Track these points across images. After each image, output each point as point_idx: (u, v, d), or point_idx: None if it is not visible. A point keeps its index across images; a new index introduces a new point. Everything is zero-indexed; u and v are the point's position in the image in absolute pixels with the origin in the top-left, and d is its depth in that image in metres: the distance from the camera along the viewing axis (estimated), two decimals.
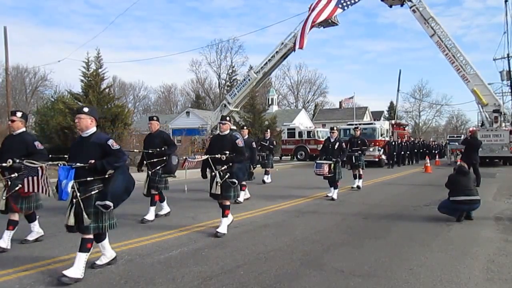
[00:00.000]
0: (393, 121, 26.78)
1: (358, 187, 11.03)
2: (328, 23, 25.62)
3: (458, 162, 7.83)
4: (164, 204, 7.07)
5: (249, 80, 27.23)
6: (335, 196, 9.13)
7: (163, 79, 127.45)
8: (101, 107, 18.95)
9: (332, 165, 8.92)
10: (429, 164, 18.75)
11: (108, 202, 3.84)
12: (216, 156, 5.66)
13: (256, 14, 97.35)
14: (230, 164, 5.66)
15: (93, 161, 3.86)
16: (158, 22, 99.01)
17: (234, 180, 5.64)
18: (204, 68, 73.61)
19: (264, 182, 12.72)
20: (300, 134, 26.96)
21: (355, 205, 8.50)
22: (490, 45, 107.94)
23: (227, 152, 5.63)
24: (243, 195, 8.82)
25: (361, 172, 11.25)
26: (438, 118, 71.60)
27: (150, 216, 6.63)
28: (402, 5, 23.39)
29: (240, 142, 5.72)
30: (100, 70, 19.75)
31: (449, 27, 70.78)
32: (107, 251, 4.29)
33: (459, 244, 5.31)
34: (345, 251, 4.95)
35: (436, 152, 30.98)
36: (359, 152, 11.19)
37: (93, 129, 4.06)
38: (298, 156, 26.59)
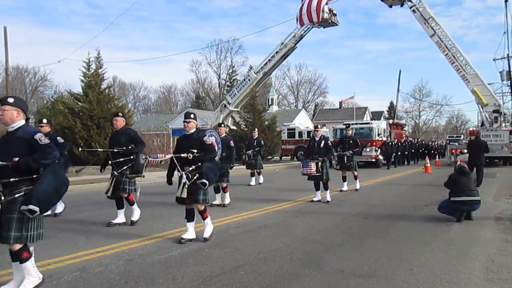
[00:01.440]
0: (390, 121, 26.56)
1: (356, 189, 10.71)
2: (328, 23, 25.63)
3: (458, 162, 7.83)
4: (135, 206, 6.47)
5: (249, 80, 27.25)
6: (328, 198, 8.72)
7: (163, 79, 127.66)
8: (101, 107, 18.97)
9: (320, 163, 8.48)
10: (429, 164, 18.76)
11: (32, 207, 3.27)
12: (182, 155, 5.16)
13: (256, 14, 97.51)
14: (199, 164, 5.16)
15: (17, 159, 3.35)
16: (158, 22, 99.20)
17: (204, 181, 5.04)
18: (204, 68, 73.78)
19: (249, 185, 12.20)
20: (300, 134, 26.97)
21: (355, 205, 8.50)
22: (490, 45, 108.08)
23: (195, 151, 5.16)
24: (228, 197, 8.40)
25: (356, 174, 10.83)
26: (438, 118, 71.83)
27: (120, 219, 6.31)
28: (402, 5, 23.41)
29: (208, 139, 5.26)
30: (100, 70, 19.78)
31: (449, 27, 71.02)
32: (22, 273, 3.54)
33: (459, 244, 5.31)
34: (345, 251, 4.95)
35: (435, 152, 30.88)
36: (351, 152, 10.62)
37: (19, 123, 3.54)
38: (298, 156, 26.59)
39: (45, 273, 4.01)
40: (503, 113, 22.71)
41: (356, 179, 10.86)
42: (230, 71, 59.66)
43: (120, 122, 6.39)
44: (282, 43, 26.06)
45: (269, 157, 26.88)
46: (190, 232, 5.32)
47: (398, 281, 3.88)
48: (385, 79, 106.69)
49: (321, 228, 6.24)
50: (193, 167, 5.17)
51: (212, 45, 74.47)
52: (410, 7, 22.74)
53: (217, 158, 6.07)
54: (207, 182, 5.07)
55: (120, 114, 6.54)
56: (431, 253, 4.86)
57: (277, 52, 26.26)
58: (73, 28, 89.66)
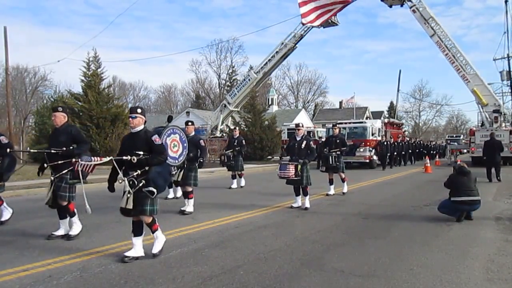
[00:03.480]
0: (386, 120, 25.79)
1: (343, 193, 9.87)
2: (328, 23, 25.65)
3: (458, 162, 7.82)
4: (75, 219, 5.54)
5: (249, 80, 27.27)
6: (307, 205, 7.85)
7: (163, 79, 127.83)
8: (100, 107, 18.97)
9: (299, 166, 7.64)
10: (429, 164, 18.73)
11: None
12: (124, 158, 4.41)
13: (256, 14, 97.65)
14: (146, 168, 4.45)
15: None
16: (158, 22, 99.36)
17: (152, 188, 4.35)
18: (204, 68, 73.77)
19: (230, 187, 11.28)
20: None
21: (355, 205, 8.49)
22: (490, 45, 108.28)
23: (141, 152, 4.42)
24: (192, 204, 7.45)
25: (343, 176, 10.00)
26: (438, 118, 71.94)
27: (62, 230, 5.46)
28: (402, 5, 23.43)
29: (157, 139, 4.54)
30: (99, 70, 19.77)
31: (449, 27, 71.08)
32: None
33: (459, 244, 5.31)
34: (345, 251, 4.95)
35: (434, 152, 30.63)
36: (338, 153, 9.82)
37: None
38: None
39: (45, 273, 4.03)
40: (503, 113, 22.73)
41: (343, 181, 10.03)
42: (230, 71, 59.73)
43: (60, 118, 5.44)
44: (282, 43, 26.07)
45: (269, 157, 26.87)
46: (136, 248, 4.54)
47: (398, 281, 3.88)
48: (385, 79, 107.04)
49: (321, 228, 6.24)
50: (139, 172, 4.42)
51: (212, 45, 74.62)
52: (410, 7, 22.76)
53: (181, 159, 5.55)
54: (154, 190, 4.38)
55: (59, 108, 5.54)
56: (431, 253, 4.86)
57: (277, 52, 26.28)
58: (73, 28, 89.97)
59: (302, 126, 8.33)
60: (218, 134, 27.50)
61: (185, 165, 7.15)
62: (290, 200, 8.33)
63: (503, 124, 22.10)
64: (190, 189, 7.45)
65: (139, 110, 4.61)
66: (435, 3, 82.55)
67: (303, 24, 24.54)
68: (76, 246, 5.02)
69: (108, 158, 4.61)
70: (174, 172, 6.67)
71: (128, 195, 4.34)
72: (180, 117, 42.85)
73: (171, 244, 5.16)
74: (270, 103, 51.39)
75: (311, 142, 8.08)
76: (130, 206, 4.35)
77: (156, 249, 4.61)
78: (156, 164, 4.48)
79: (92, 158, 4.87)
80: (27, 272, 4.03)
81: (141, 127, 4.60)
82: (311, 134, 26.42)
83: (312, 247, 5.12)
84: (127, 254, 4.47)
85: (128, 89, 67.97)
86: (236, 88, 28.74)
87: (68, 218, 5.53)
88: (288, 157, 8.02)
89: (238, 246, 5.13)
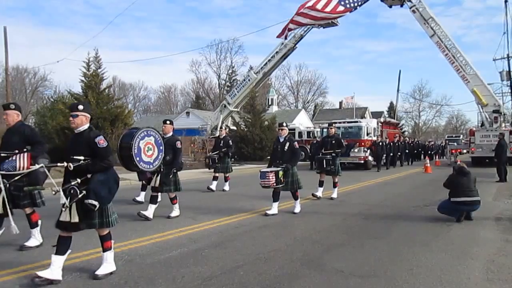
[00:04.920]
0: (382, 119, 25.20)
1: (331, 198, 9.22)
2: (328, 23, 25.63)
3: (458, 162, 7.83)
4: (36, 231, 5.02)
5: (249, 80, 27.26)
6: (297, 210, 7.45)
7: (163, 79, 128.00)
8: (100, 107, 18.96)
9: (281, 173, 7.07)
10: (429, 165, 18.71)
11: None
12: (58, 164, 3.81)
13: (256, 14, 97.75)
14: (88, 176, 3.78)
15: None
16: (158, 22, 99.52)
17: (93, 201, 3.68)
18: (204, 68, 74.04)
19: (208, 187, 10.62)
20: (300, 134, 26.91)
21: (355, 205, 8.50)
22: (490, 45, 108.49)
23: (81, 157, 3.76)
24: (178, 208, 7.05)
25: (336, 180, 9.39)
26: (438, 118, 71.99)
27: (33, 241, 4.97)
28: (402, 5, 23.41)
29: (102, 141, 3.84)
30: (99, 70, 19.76)
31: (449, 27, 71.17)
32: None
33: (459, 244, 5.31)
34: (345, 251, 4.95)
35: (432, 152, 30.50)
36: (333, 154, 9.27)
37: None
38: None
39: None
40: (503, 113, 22.72)
41: (334, 186, 9.40)
42: (230, 71, 59.86)
43: (12, 116, 4.83)
44: (282, 43, 26.05)
45: (269, 157, 26.83)
46: (53, 268, 3.73)
47: (398, 281, 3.88)
48: (385, 79, 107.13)
49: (321, 228, 6.24)
50: (79, 180, 3.73)
51: (212, 45, 74.67)
52: (410, 7, 22.74)
53: (157, 163, 5.23)
54: (96, 203, 3.70)
55: (11, 105, 4.90)
56: (431, 253, 4.86)
57: (277, 52, 26.27)
58: (73, 28, 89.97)
59: (286, 126, 7.63)
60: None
61: (162, 170, 6.60)
62: (290, 201, 8.36)
63: (503, 124, 22.09)
64: (172, 195, 6.97)
65: (80, 107, 3.90)
66: (435, 3, 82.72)
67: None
68: (76, 246, 5.00)
69: (38, 166, 4.11)
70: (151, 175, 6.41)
71: (63, 209, 3.73)
72: (180, 117, 42.88)
73: (171, 244, 5.18)
74: (270, 103, 51.40)
75: (295, 143, 7.40)
76: (75, 219, 3.73)
77: (100, 271, 3.93)
78: (98, 171, 3.80)
79: (17, 166, 4.21)
80: (27, 272, 4.02)
81: (85, 126, 3.94)
82: (311, 134, 26.53)
83: (312, 247, 5.12)
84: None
85: (128, 89, 68.04)
86: (236, 89, 28.73)
87: (38, 226, 5.03)
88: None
89: (238, 246, 5.13)
